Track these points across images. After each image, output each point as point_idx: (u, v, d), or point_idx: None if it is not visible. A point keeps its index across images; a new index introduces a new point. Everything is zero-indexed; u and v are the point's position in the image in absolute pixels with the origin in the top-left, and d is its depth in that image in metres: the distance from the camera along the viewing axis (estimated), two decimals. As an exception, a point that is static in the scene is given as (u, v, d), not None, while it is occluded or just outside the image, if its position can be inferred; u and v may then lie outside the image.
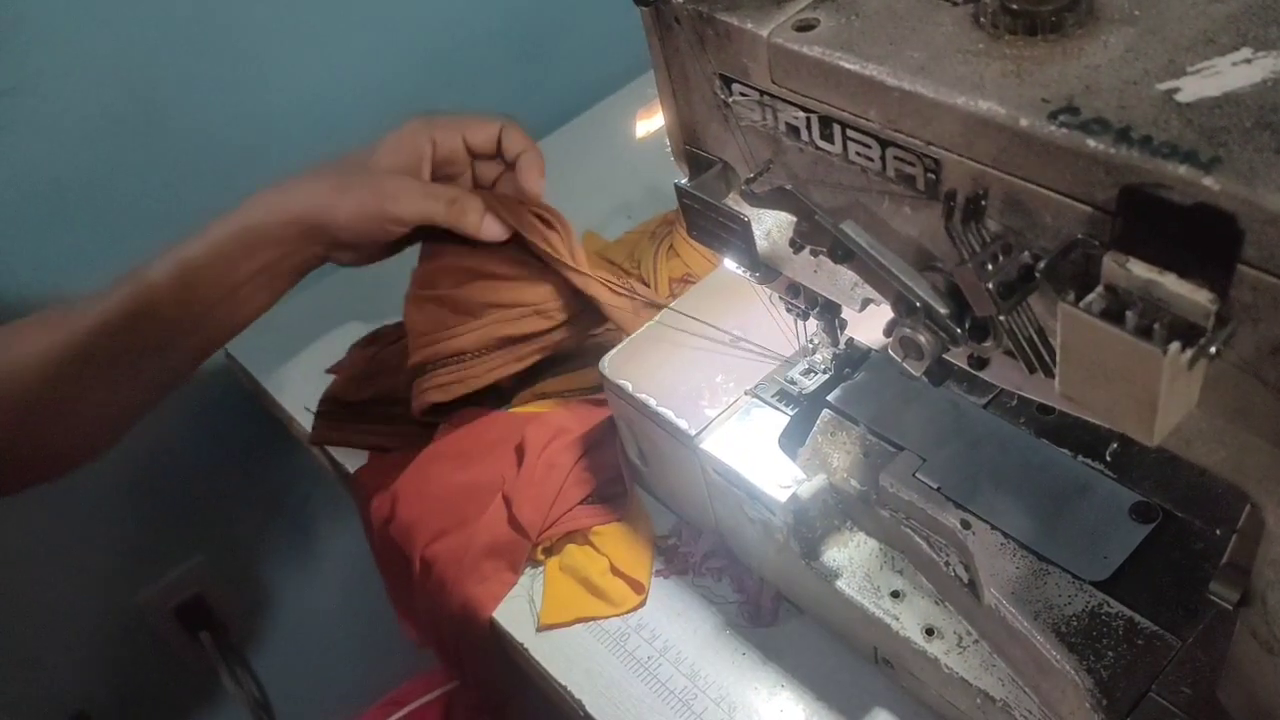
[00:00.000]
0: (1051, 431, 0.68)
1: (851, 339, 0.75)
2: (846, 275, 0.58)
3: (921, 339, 0.48)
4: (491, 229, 0.84)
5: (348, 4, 1.12)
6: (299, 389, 1.05)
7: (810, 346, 0.75)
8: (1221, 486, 0.63)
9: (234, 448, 1.26)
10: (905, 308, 0.48)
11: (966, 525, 0.64)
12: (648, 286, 1.04)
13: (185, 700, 1.41)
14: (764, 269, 0.63)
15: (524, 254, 0.87)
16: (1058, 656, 0.58)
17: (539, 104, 1.28)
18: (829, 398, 0.74)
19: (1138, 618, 0.59)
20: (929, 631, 0.65)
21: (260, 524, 1.33)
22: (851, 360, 0.75)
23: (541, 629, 0.81)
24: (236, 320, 0.84)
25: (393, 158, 0.83)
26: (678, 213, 1.03)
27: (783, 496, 0.69)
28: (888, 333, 0.50)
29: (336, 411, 0.99)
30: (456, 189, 0.85)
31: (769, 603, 0.78)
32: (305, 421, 1.01)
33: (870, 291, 0.57)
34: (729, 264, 0.67)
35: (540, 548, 0.84)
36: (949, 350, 0.50)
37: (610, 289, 0.86)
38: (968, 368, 0.52)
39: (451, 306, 0.87)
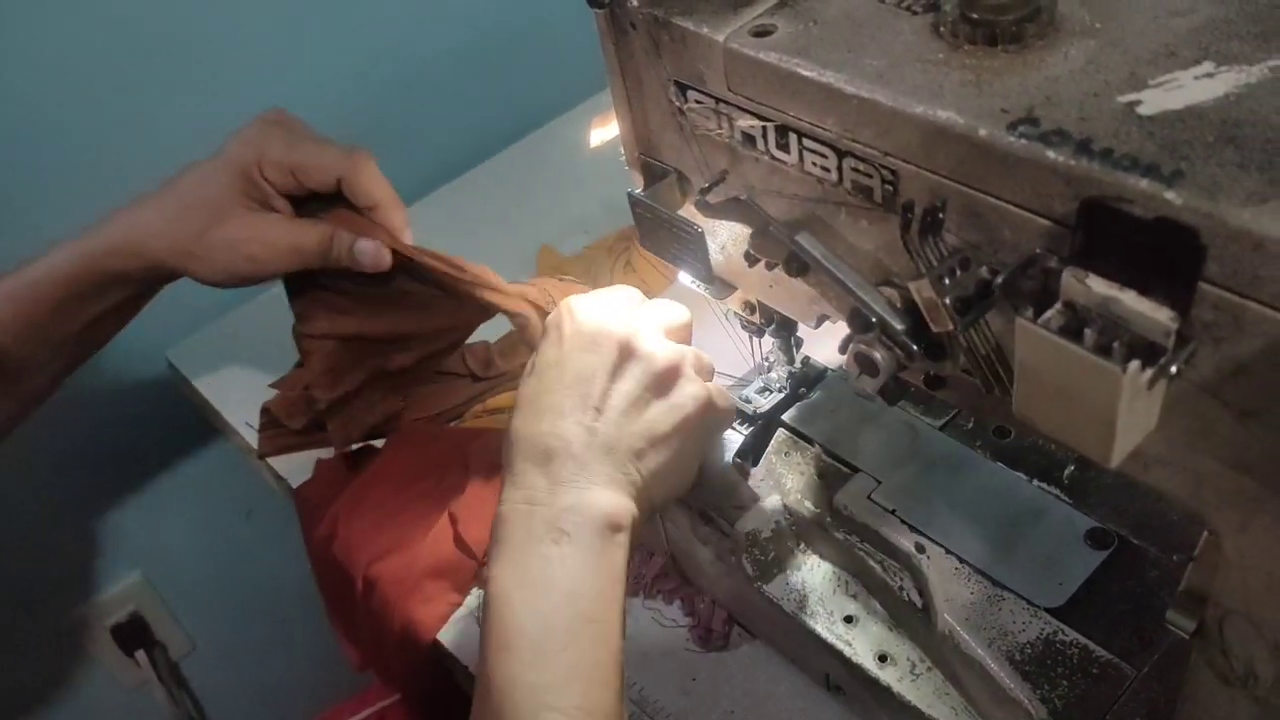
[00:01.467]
0: (1008, 455, 0.67)
1: (808, 357, 0.74)
2: (802, 290, 0.56)
3: (877, 356, 0.47)
4: (379, 256, 0.76)
5: (307, 17, 1.10)
6: (241, 400, 1.01)
7: (766, 364, 0.74)
8: (1178, 513, 0.62)
9: (174, 460, 1.22)
10: (861, 323, 0.47)
11: (921, 549, 0.63)
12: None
13: (120, 721, 1.36)
14: (718, 283, 0.61)
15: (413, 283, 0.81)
16: (1011, 686, 0.57)
17: (497, 118, 1.27)
18: (784, 417, 0.73)
19: (1092, 646, 0.57)
20: (882, 658, 0.64)
21: (201, 540, 1.29)
22: (807, 379, 0.74)
23: (486, 652, 0.78)
24: (84, 354, 0.82)
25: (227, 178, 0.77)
26: (634, 226, 1.01)
27: (735, 517, 0.67)
28: (843, 349, 0.49)
29: (278, 425, 0.95)
30: (325, 224, 0.78)
31: (720, 626, 0.76)
32: (247, 434, 0.98)
33: (826, 307, 0.56)
34: (684, 278, 0.66)
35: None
36: (905, 368, 0.49)
37: (532, 302, 0.81)
38: (924, 387, 0.51)
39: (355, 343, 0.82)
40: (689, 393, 0.58)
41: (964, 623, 0.60)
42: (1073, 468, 0.57)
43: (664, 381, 0.57)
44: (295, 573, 1.03)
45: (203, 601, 1.34)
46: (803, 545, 0.70)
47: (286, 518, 0.99)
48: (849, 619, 0.66)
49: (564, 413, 0.55)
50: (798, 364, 0.73)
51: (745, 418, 0.73)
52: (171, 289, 1.10)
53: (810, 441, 0.71)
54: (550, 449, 0.55)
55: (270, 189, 0.77)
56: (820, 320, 0.58)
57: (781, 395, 0.73)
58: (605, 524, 0.53)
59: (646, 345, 0.57)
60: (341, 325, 0.81)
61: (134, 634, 1.29)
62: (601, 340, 0.57)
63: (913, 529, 0.64)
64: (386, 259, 0.76)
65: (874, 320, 0.46)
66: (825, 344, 0.73)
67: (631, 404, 0.56)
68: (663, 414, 0.57)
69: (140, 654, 1.29)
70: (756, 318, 0.66)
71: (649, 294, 0.97)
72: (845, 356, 0.48)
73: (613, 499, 0.54)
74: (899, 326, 0.45)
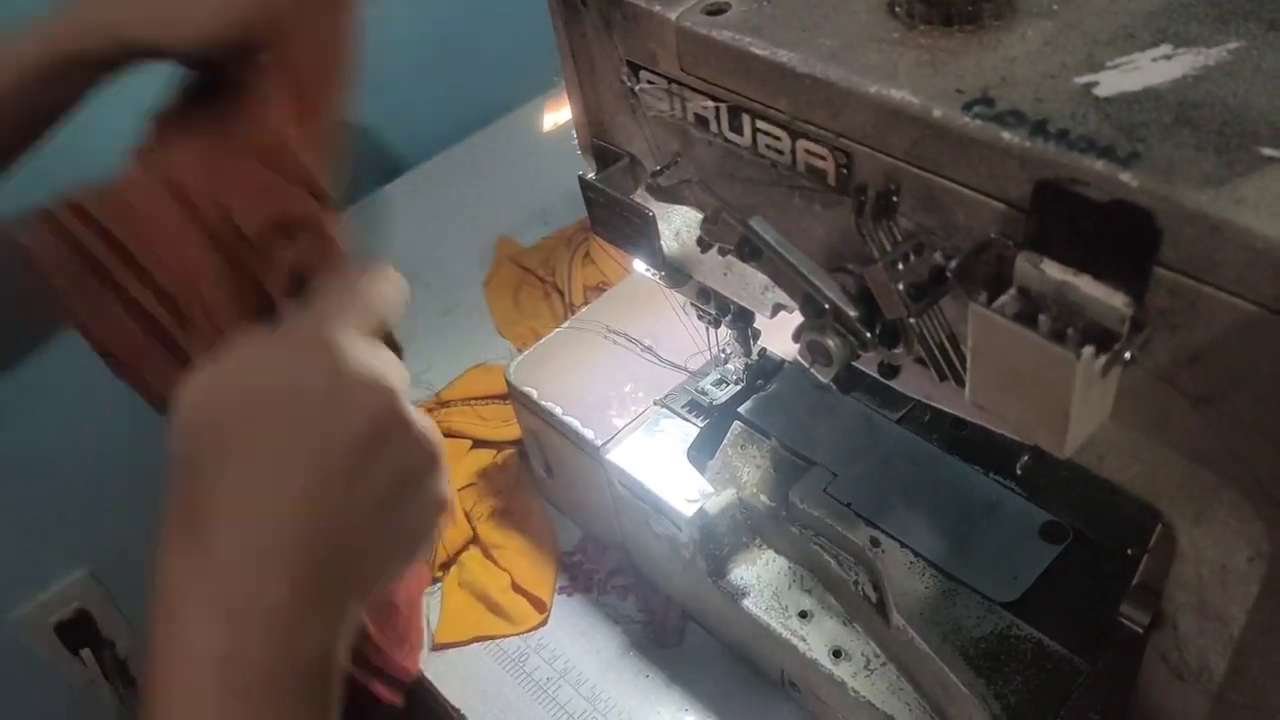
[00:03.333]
0: (964, 448, 0.67)
1: (765, 349, 0.73)
2: (756, 279, 0.55)
3: (830, 343, 0.46)
4: None
5: None
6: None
7: (722, 356, 0.73)
8: (1133, 507, 0.61)
9: (120, 452, 1.19)
10: (814, 310, 0.46)
11: (876, 543, 0.62)
12: (562, 295, 1.01)
13: (64, 722, 1.33)
14: (673, 271, 0.60)
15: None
16: (965, 681, 0.56)
17: (457, 109, 1.25)
18: (740, 409, 0.72)
19: (1046, 640, 0.57)
20: (836, 653, 0.63)
21: (149, 535, 1.26)
22: (764, 371, 0.73)
23: (436, 647, 0.76)
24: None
25: None
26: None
27: (689, 511, 0.66)
28: (796, 337, 0.48)
29: None
30: None
31: (675, 622, 0.75)
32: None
33: (781, 296, 0.55)
34: (638, 266, 0.65)
35: (438, 563, 0.80)
36: (859, 356, 0.48)
37: None
38: (878, 376, 0.50)
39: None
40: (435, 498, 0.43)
41: (918, 617, 0.59)
42: (1027, 458, 0.56)
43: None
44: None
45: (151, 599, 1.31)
46: (758, 540, 0.69)
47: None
48: (804, 614, 0.65)
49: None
50: (755, 356, 0.72)
51: (701, 410, 0.72)
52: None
53: (767, 434, 0.70)
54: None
55: None
56: (776, 310, 0.57)
57: (738, 387, 0.72)
58: None
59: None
60: None
61: (79, 631, 1.25)
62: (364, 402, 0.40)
63: (868, 523, 0.63)
64: None
65: (826, 307, 0.45)
66: (783, 336, 0.72)
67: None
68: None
69: (86, 652, 1.26)
70: (712, 307, 0.65)
71: (609, 284, 0.97)
72: (798, 345, 0.47)
73: None
74: (852, 313, 0.44)
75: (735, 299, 0.59)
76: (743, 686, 0.71)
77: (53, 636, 1.24)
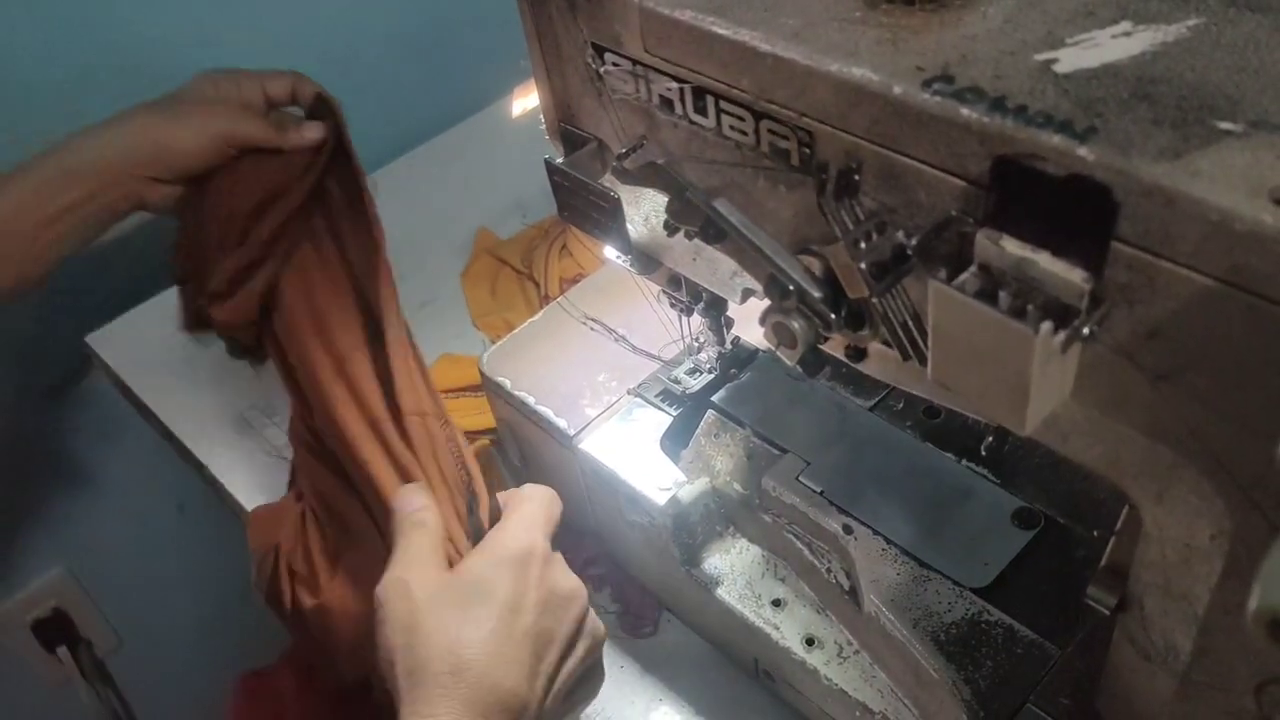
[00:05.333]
0: (937, 435, 0.67)
1: (738, 338, 0.72)
2: (725, 264, 0.55)
3: (795, 325, 0.45)
4: (313, 132, 0.75)
5: (237, 3, 1.07)
6: (166, 388, 0.98)
7: (696, 345, 0.73)
8: (1104, 492, 0.61)
9: (98, 450, 1.18)
10: (779, 292, 0.46)
11: (849, 530, 0.62)
12: (538, 286, 1.00)
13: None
14: (641, 257, 0.60)
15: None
16: (936, 666, 0.56)
17: (434, 102, 1.25)
18: (713, 398, 0.71)
19: (1017, 626, 0.57)
20: (809, 641, 0.63)
21: (128, 533, 1.25)
22: (738, 360, 0.73)
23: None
24: (34, 267, 0.75)
25: (203, 97, 0.76)
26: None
27: (662, 499, 0.66)
28: (762, 320, 0.48)
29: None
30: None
31: (649, 612, 0.74)
32: (174, 423, 0.95)
33: (750, 281, 0.55)
34: (609, 253, 0.64)
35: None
36: (824, 339, 0.48)
37: None
38: (845, 359, 0.50)
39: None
40: (600, 667, 0.61)
41: (890, 604, 0.59)
42: (991, 439, 0.56)
43: (596, 654, 0.59)
44: (228, 567, 1.00)
45: (130, 596, 1.30)
46: (731, 528, 0.69)
47: (220, 513, 0.96)
48: (777, 603, 0.65)
49: (527, 674, 0.52)
50: (728, 345, 0.71)
51: (674, 399, 0.72)
52: (89, 274, 1.07)
53: (740, 423, 0.70)
54: (510, 708, 0.51)
55: None
56: (745, 295, 0.57)
57: (711, 376, 0.72)
58: None
59: (593, 617, 0.59)
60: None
61: (56, 630, 1.25)
62: (572, 607, 0.57)
63: (840, 510, 0.63)
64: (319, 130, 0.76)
65: (791, 288, 0.45)
66: (756, 325, 0.72)
67: (570, 676, 0.56)
68: (584, 687, 0.60)
69: (62, 650, 1.25)
70: (683, 295, 0.64)
71: (582, 277, 0.96)
72: (764, 327, 0.47)
73: None
74: (816, 294, 0.44)
75: (705, 285, 0.59)
76: (717, 676, 0.71)
77: (29, 635, 1.23)
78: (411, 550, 0.57)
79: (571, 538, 0.79)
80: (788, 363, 0.47)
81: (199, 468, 0.92)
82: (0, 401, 1.08)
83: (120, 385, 1.02)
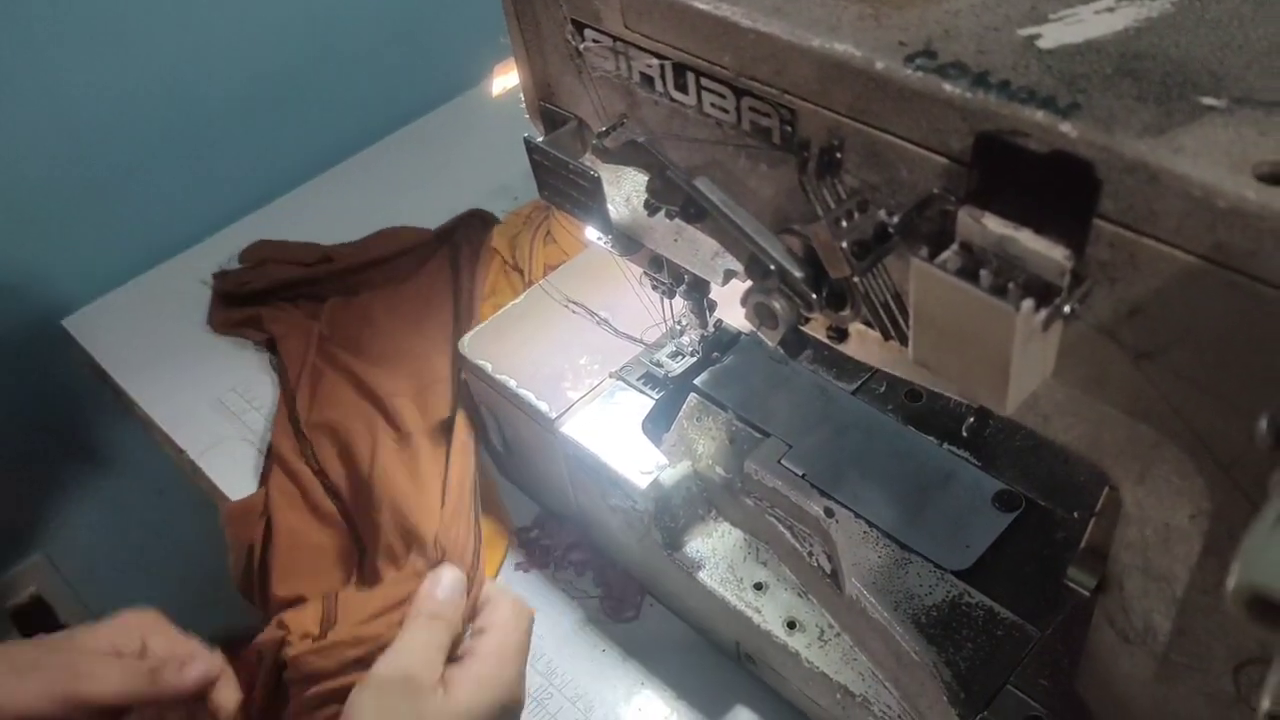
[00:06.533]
0: (919, 419, 0.66)
1: (720, 321, 0.72)
2: (707, 245, 0.54)
3: (776, 305, 0.45)
4: (199, 669, 0.65)
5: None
6: (145, 372, 0.97)
7: (678, 328, 0.72)
8: (1084, 475, 0.61)
9: (76, 435, 1.17)
10: (760, 271, 0.45)
11: (830, 513, 0.62)
12: (521, 273, 1.00)
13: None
14: (623, 239, 0.59)
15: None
16: (917, 648, 0.56)
17: (419, 83, 1.23)
18: (696, 381, 0.71)
19: (998, 608, 0.57)
20: (791, 625, 0.63)
21: (107, 519, 1.24)
22: (720, 343, 0.72)
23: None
24: None
25: (100, 641, 0.64)
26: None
27: (644, 483, 0.65)
28: (744, 301, 0.47)
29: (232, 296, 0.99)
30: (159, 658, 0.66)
31: (632, 597, 0.74)
32: (152, 407, 0.94)
33: (731, 262, 0.54)
34: (590, 235, 0.64)
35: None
36: (806, 320, 0.47)
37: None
38: (827, 340, 0.49)
39: None
40: None
41: (870, 586, 0.58)
42: (972, 420, 0.55)
43: None
44: (209, 553, 0.99)
45: (110, 583, 1.29)
46: (713, 512, 0.68)
47: (197, 497, 0.95)
48: (759, 586, 0.65)
49: None
50: (711, 328, 0.71)
51: (657, 382, 0.71)
52: (68, 252, 1.05)
53: (723, 406, 0.69)
54: None
55: None
56: (728, 277, 0.57)
57: (694, 359, 0.72)
58: None
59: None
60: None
61: (35, 617, 1.23)
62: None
63: (822, 493, 0.63)
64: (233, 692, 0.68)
65: (772, 268, 0.44)
66: (739, 308, 0.71)
67: None
68: None
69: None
70: (665, 276, 0.64)
71: (563, 260, 0.95)
72: (744, 308, 0.47)
73: None
74: (798, 274, 0.44)
75: (687, 266, 0.58)
76: (699, 660, 0.71)
77: (8, 622, 1.22)
78: (417, 644, 0.60)
79: (553, 523, 0.79)
80: (769, 344, 0.47)
81: (178, 452, 0.91)
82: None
83: (96, 369, 1.00)
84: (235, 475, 0.87)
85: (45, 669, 0.60)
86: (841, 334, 0.48)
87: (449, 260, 0.98)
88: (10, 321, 1.06)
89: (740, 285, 0.55)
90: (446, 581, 0.64)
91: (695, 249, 0.55)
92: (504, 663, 0.61)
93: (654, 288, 0.67)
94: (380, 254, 0.99)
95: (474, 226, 1.01)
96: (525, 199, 1.07)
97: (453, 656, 0.62)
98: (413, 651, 0.59)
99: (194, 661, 0.65)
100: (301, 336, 0.92)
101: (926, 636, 0.56)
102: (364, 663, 0.63)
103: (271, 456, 0.85)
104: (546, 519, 0.80)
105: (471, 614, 0.65)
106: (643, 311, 0.74)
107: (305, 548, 0.76)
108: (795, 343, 0.47)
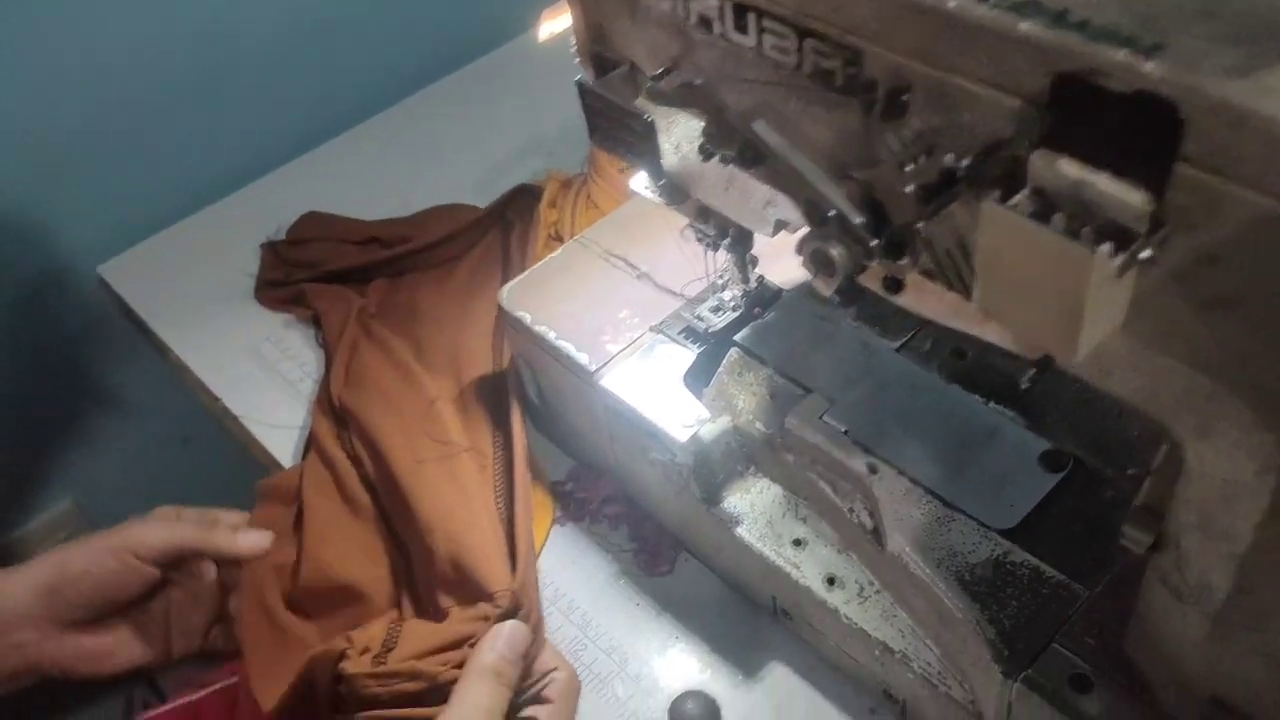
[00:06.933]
0: (964, 376, 0.66)
1: (762, 277, 0.71)
2: (759, 194, 0.54)
3: (834, 252, 0.44)
4: (251, 539, 0.76)
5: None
6: (177, 319, 0.98)
7: (720, 283, 0.72)
8: (1134, 432, 0.61)
9: (107, 382, 1.18)
10: (818, 217, 0.44)
11: (873, 470, 0.61)
12: (562, 241, 0.99)
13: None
14: (671, 188, 0.59)
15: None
16: (960, 605, 0.55)
17: (450, 40, 1.22)
18: (737, 337, 0.70)
19: (1043, 567, 0.56)
20: (830, 581, 0.62)
21: (135, 466, 1.25)
22: (762, 299, 0.71)
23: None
24: None
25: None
26: (590, 162, 0.98)
27: (684, 436, 0.65)
28: (800, 249, 0.46)
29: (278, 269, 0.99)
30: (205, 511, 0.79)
31: (666, 551, 0.74)
32: (184, 353, 0.95)
33: (783, 212, 0.53)
34: (636, 185, 0.63)
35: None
36: (864, 268, 0.46)
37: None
38: (883, 292, 0.49)
39: None
40: None
41: (914, 544, 0.58)
42: (1033, 371, 0.54)
43: None
44: (231, 501, 0.99)
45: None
46: (753, 468, 0.68)
47: (224, 445, 0.96)
48: (798, 542, 0.64)
49: None
50: (753, 283, 0.70)
51: (698, 336, 0.71)
52: (102, 201, 1.05)
53: (763, 361, 0.69)
54: None
55: None
56: (778, 228, 0.56)
57: (735, 315, 0.71)
58: None
59: None
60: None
61: (66, 563, 1.25)
62: None
63: (865, 450, 0.62)
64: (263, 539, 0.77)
65: (831, 214, 0.44)
66: (781, 264, 0.71)
67: None
68: None
69: (72, 584, 1.25)
70: (711, 228, 0.63)
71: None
72: (801, 255, 0.46)
73: None
74: (857, 220, 0.43)
75: (735, 217, 0.57)
76: (734, 614, 0.71)
77: (39, 568, 1.23)
78: (480, 708, 0.61)
79: (588, 476, 0.79)
80: (824, 292, 0.46)
81: (212, 399, 0.91)
82: (10, 333, 1.07)
83: (132, 316, 1.01)
84: (269, 426, 0.88)
85: (101, 535, 0.74)
86: (897, 284, 0.47)
87: (499, 242, 0.97)
88: (46, 269, 1.06)
89: (782, 241, 0.55)
90: (512, 638, 0.64)
91: (746, 198, 0.55)
92: None
93: (698, 239, 0.66)
94: (429, 239, 0.96)
95: (524, 203, 0.98)
96: (559, 155, 1.07)
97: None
98: (475, 715, 0.60)
99: (248, 532, 0.76)
100: (345, 317, 0.91)
101: (970, 594, 0.56)
102: (419, 699, 0.63)
103: (311, 437, 0.84)
104: (581, 472, 0.80)
105: (527, 671, 0.65)
106: (683, 265, 0.73)
107: (335, 540, 0.76)
108: (852, 291, 0.46)
